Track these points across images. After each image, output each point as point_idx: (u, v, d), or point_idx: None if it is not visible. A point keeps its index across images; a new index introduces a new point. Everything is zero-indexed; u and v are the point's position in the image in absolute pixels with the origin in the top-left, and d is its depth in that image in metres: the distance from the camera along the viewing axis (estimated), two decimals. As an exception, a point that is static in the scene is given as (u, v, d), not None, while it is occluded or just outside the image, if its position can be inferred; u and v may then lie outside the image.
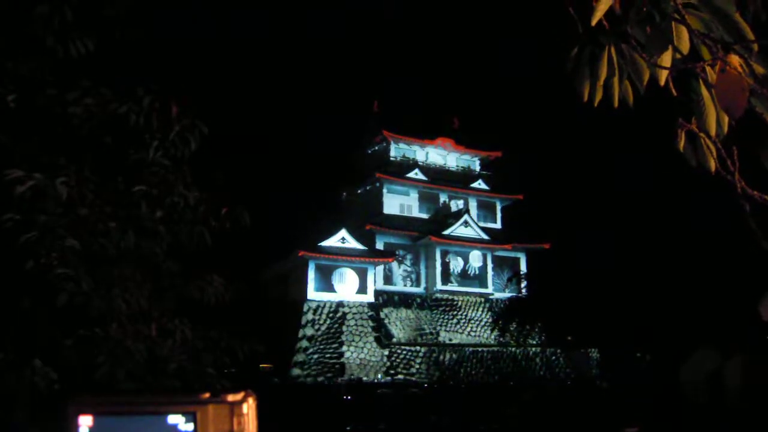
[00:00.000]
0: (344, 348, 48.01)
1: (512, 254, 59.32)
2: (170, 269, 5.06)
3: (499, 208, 62.50)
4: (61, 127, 4.67)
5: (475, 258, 57.35)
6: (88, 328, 4.37)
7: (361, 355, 48.24)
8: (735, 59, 1.45)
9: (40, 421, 4.15)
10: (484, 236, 57.20)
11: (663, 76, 1.63)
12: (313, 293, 49.35)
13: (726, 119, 1.63)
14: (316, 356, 47.15)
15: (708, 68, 1.53)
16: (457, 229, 56.17)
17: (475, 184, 61.03)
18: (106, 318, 4.47)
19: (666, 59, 1.57)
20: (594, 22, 1.52)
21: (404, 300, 54.14)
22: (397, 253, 54.45)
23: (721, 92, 1.45)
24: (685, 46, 1.55)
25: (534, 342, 50.61)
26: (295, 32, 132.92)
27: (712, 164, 1.71)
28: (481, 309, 55.94)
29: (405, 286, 55.34)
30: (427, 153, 60.88)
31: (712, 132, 1.64)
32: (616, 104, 1.80)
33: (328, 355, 47.54)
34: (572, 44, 1.78)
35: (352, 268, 50.89)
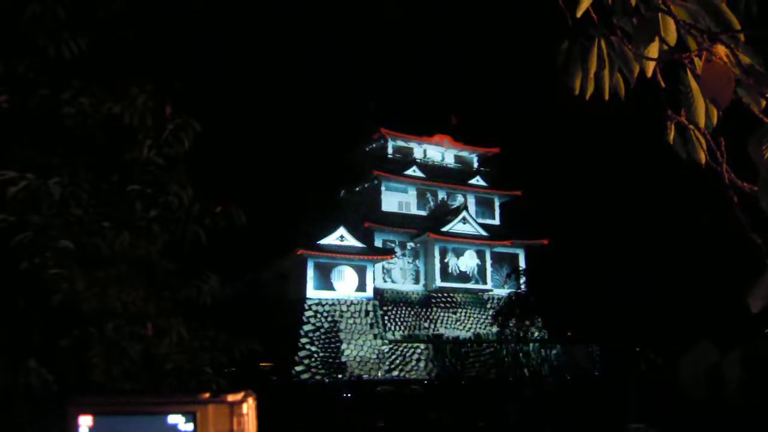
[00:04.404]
0: (344, 346, 48.07)
1: (511, 250, 59.36)
2: (166, 268, 5.05)
3: (497, 204, 62.52)
4: (55, 127, 4.65)
5: (474, 254, 57.38)
6: (83, 328, 4.36)
7: (360, 352, 48.29)
8: (721, 49, 1.44)
9: (40, 421, 4.14)
10: (483, 233, 57.20)
11: (650, 67, 1.63)
12: (312, 291, 49.40)
13: (715, 110, 1.62)
14: (315, 354, 47.18)
15: (696, 59, 1.53)
16: (456, 226, 56.18)
17: (473, 181, 61.02)
18: (102, 318, 4.46)
19: (653, 51, 1.57)
20: (579, 14, 1.52)
21: (403, 297, 54.17)
22: (395, 250, 54.47)
23: (706, 83, 1.45)
24: (672, 38, 1.54)
25: (533, 337, 50.68)
26: (294, 31, 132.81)
27: (702, 156, 1.71)
28: (480, 305, 55.98)
29: (404, 283, 55.36)
30: (424, 150, 60.87)
31: (701, 123, 1.64)
32: (606, 97, 1.80)
33: (328, 353, 47.59)
34: (563, 38, 1.78)
35: (351, 266, 50.92)
